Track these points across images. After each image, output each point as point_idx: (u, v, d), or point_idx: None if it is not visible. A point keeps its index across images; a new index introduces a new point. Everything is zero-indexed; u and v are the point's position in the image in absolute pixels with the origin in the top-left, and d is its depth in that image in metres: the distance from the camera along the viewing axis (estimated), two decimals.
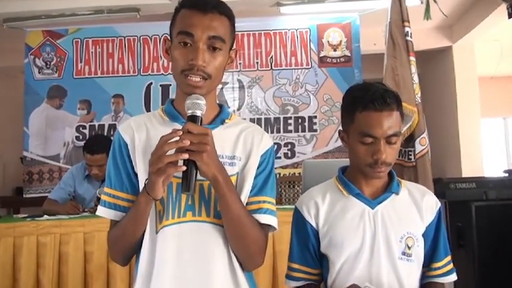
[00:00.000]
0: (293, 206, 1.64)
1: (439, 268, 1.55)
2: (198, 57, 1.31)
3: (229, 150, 1.41)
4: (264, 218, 1.38)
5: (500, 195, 3.08)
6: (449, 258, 1.57)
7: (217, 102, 1.50)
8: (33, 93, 4.82)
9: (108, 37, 4.86)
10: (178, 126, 1.28)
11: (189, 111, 1.28)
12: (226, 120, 1.45)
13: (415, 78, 3.10)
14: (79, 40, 4.87)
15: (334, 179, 1.62)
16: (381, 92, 1.48)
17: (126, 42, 4.85)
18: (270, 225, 1.40)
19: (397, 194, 1.54)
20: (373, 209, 1.51)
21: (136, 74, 4.82)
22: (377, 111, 1.45)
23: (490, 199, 3.10)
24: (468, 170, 5.73)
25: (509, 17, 3.65)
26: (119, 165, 1.39)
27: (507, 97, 7.37)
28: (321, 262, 1.56)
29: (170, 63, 1.43)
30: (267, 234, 1.41)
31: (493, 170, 6.66)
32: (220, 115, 1.45)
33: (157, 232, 1.35)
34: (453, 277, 1.57)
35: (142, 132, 1.40)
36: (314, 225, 1.54)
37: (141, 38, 4.85)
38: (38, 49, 4.88)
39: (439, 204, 1.58)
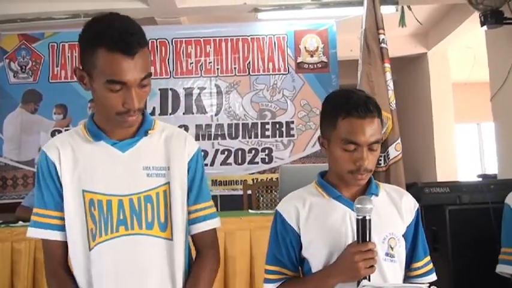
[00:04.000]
0: (270, 211, 1.64)
1: (419, 268, 1.55)
2: (133, 103, 1.30)
3: (156, 161, 1.44)
4: (207, 225, 1.50)
5: (473, 199, 3.13)
6: (428, 258, 1.57)
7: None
8: (7, 97, 4.76)
9: None
10: (103, 145, 1.40)
11: (360, 215, 1.38)
12: (150, 131, 1.45)
13: (390, 84, 3.15)
14: (55, 44, 4.83)
15: (314, 183, 1.61)
16: (363, 99, 1.47)
17: None
18: None
19: (376, 195, 1.54)
20: (354, 211, 1.51)
21: None
22: (360, 118, 1.44)
23: (464, 203, 3.14)
24: (443, 174, 5.82)
25: (482, 25, 3.72)
26: (49, 185, 1.41)
27: (480, 103, 7.49)
28: (302, 266, 1.55)
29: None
30: (215, 234, 1.54)
31: (467, 175, 6.78)
32: (143, 126, 1.45)
33: (90, 249, 1.38)
34: (433, 277, 1.57)
35: (67, 150, 1.41)
36: (296, 229, 1.52)
37: None
38: (13, 53, 4.82)
39: (417, 204, 1.59)
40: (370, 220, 1.38)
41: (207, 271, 1.48)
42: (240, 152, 4.74)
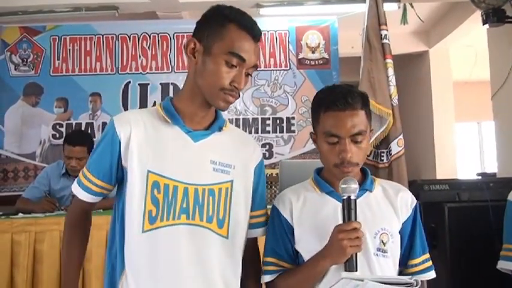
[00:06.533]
0: (270, 207, 1.66)
1: (415, 265, 1.55)
2: (242, 83, 1.39)
3: (223, 158, 1.47)
4: (261, 232, 1.60)
5: (472, 196, 3.14)
6: (427, 255, 1.57)
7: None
8: (8, 90, 4.76)
9: (86, 35, 4.81)
10: (177, 130, 1.42)
11: (345, 195, 1.40)
12: (223, 128, 1.50)
13: (393, 80, 3.14)
14: (56, 37, 4.82)
15: (310, 179, 1.63)
16: (343, 92, 1.50)
17: (104, 40, 4.82)
18: None
19: (370, 191, 1.55)
20: None
21: (114, 72, 4.79)
22: (340, 111, 1.47)
23: (463, 200, 3.15)
24: (442, 172, 5.82)
25: (484, 24, 3.73)
26: (105, 157, 1.42)
27: (481, 102, 7.48)
28: (296, 259, 1.56)
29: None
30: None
31: (467, 174, 6.79)
32: (217, 121, 1.50)
33: (143, 231, 1.37)
34: (431, 274, 1.56)
35: (139, 127, 1.42)
36: (290, 221, 1.54)
37: (120, 36, 4.82)
38: (15, 45, 4.82)
39: (415, 201, 1.59)
40: (355, 200, 1.40)
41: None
42: None
